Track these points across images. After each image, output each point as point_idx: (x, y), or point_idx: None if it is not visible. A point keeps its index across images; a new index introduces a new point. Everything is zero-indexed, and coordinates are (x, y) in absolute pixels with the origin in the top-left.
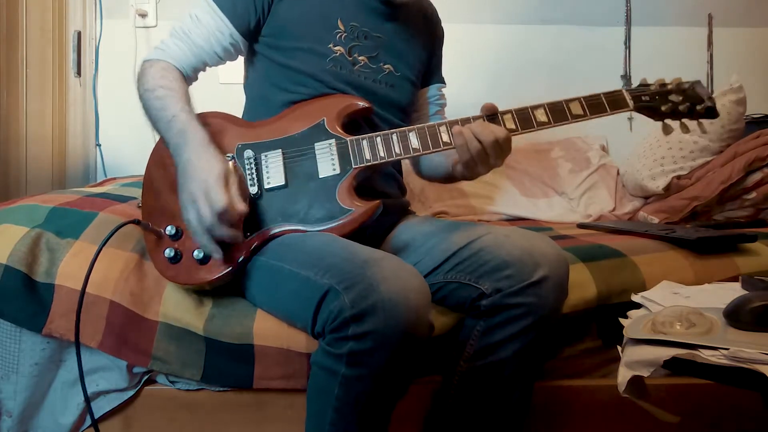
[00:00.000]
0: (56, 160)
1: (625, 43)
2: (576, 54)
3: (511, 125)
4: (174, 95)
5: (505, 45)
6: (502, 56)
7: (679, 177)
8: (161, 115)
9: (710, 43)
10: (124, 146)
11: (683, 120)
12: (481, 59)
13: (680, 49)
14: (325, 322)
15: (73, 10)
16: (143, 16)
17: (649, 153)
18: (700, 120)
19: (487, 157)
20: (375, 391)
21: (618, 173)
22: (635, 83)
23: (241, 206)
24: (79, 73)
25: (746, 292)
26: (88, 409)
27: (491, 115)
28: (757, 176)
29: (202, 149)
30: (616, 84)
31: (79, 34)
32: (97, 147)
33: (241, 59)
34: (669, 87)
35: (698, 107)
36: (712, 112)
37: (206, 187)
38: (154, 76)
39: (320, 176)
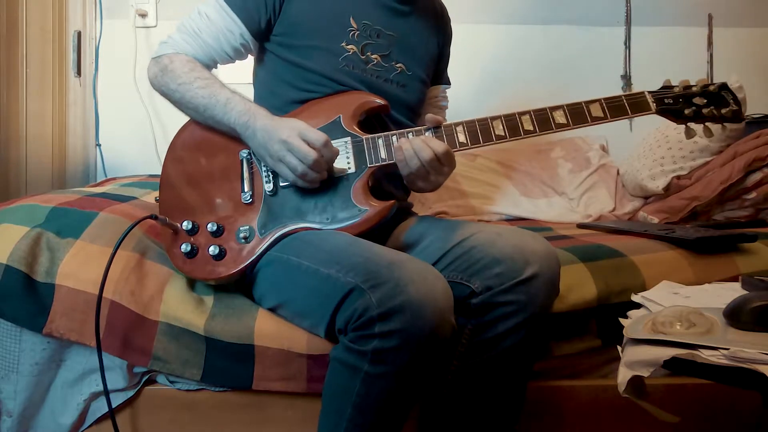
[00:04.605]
0: (56, 160)
1: (625, 43)
2: (576, 54)
3: (528, 127)
4: (215, 82)
5: (505, 45)
6: (502, 56)
7: (678, 177)
8: (213, 102)
9: (710, 43)
10: (124, 146)
11: (707, 124)
12: (481, 59)
13: (680, 49)
14: (348, 320)
15: (73, 10)
16: (143, 16)
17: (648, 153)
18: (725, 124)
19: (427, 174)
20: (397, 388)
21: (618, 173)
22: (635, 83)
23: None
24: (79, 73)
25: (746, 292)
26: (107, 401)
27: (436, 128)
28: (756, 176)
29: (271, 117)
30: (616, 84)
31: (79, 34)
32: (97, 147)
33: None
34: (694, 89)
35: (724, 111)
36: (738, 116)
37: (300, 132)
38: (183, 70)
39: (335, 174)
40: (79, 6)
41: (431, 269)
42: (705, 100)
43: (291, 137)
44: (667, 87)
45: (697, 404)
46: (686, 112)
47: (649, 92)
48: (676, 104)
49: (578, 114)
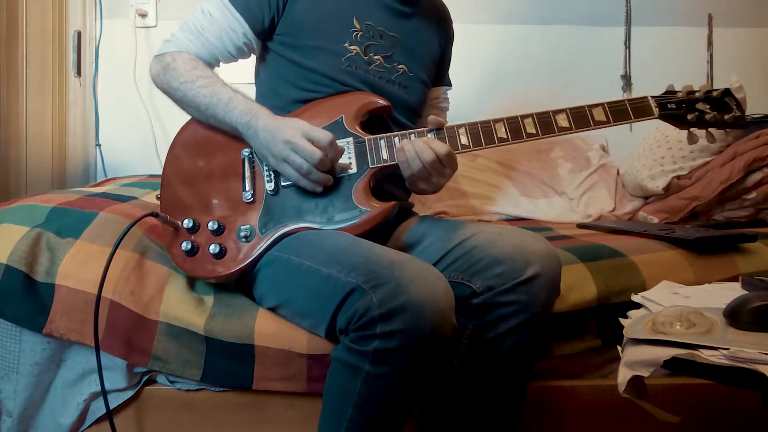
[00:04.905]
0: (56, 160)
1: (625, 43)
2: (576, 54)
3: (531, 130)
4: (217, 81)
5: (505, 45)
6: (502, 56)
7: (678, 177)
8: (214, 101)
9: (710, 43)
10: (124, 146)
11: (710, 129)
12: (481, 59)
13: (680, 49)
14: (350, 320)
15: (73, 10)
16: (143, 16)
17: (648, 153)
18: (728, 130)
19: (429, 176)
20: (397, 389)
21: (618, 173)
22: (635, 83)
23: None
24: (79, 73)
25: (746, 292)
26: (105, 402)
27: (438, 129)
28: (756, 176)
29: (273, 116)
30: (616, 84)
31: (79, 34)
32: (97, 147)
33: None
34: (697, 94)
35: (726, 117)
36: (741, 122)
37: (304, 132)
38: (185, 68)
39: (337, 175)
40: (79, 6)
41: (432, 269)
42: (708, 106)
43: (295, 137)
44: (670, 92)
45: (697, 404)
46: (689, 117)
47: (652, 97)
48: (679, 109)
49: (581, 118)
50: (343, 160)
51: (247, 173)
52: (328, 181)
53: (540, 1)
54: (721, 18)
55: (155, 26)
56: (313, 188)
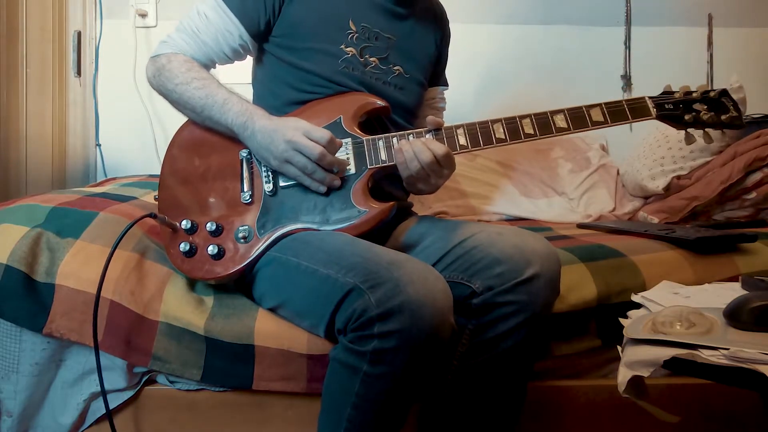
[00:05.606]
0: (56, 160)
1: (625, 43)
2: (576, 54)
3: (529, 130)
4: (213, 82)
5: (505, 45)
6: (502, 56)
7: (678, 177)
8: (210, 102)
9: (710, 43)
10: (124, 146)
11: (707, 129)
12: (481, 59)
13: (680, 49)
14: (348, 320)
15: (73, 10)
16: (143, 16)
17: (649, 153)
18: (724, 130)
19: (427, 177)
20: (396, 389)
21: (618, 173)
22: (635, 83)
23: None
24: (79, 73)
25: (746, 292)
26: (104, 402)
27: (437, 130)
28: (756, 176)
29: (270, 117)
30: (616, 84)
31: (79, 34)
32: (97, 147)
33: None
34: (694, 95)
35: (723, 117)
36: (737, 122)
37: (305, 131)
38: (180, 70)
39: (335, 169)
40: (79, 6)
41: (431, 270)
42: (705, 106)
43: (296, 136)
44: (667, 92)
45: (697, 404)
46: (686, 117)
47: (650, 98)
48: (676, 110)
49: (579, 118)
50: (340, 154)
51: (245, 174)
52: (333, 179)
53: (540, 1)
54: (721, 18)
55: (155, 26)
56: (317, 188)
